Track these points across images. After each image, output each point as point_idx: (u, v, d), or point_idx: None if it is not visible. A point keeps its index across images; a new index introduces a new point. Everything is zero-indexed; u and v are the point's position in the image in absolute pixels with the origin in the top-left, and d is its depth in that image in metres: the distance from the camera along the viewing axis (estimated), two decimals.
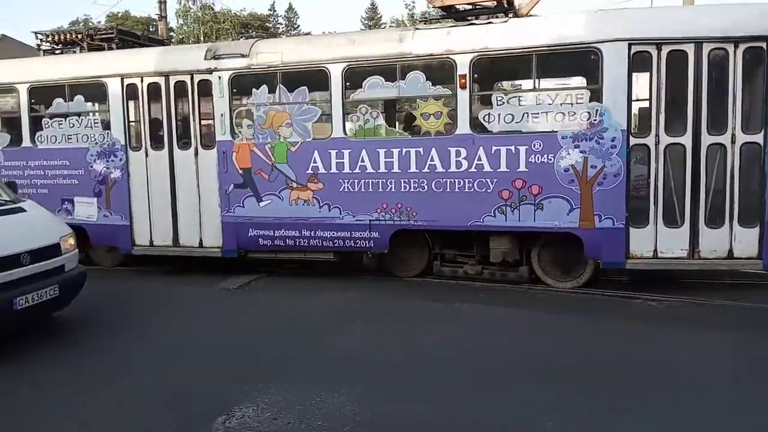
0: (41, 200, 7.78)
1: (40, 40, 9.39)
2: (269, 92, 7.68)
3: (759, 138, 6.29)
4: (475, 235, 7.30)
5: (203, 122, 8.07)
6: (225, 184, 7.88)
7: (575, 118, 6.54)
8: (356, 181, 7.38)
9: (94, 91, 8.47)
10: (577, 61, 6.82)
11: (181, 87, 8.01)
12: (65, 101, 8.46)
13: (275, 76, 7.60)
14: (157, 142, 8.21)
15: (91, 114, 8.57)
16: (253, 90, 7.75)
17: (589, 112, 6.50)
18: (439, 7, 7.60)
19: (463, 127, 6.91)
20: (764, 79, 6.22)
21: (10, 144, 8.92)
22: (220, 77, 7.76)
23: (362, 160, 7.33)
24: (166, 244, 8.28)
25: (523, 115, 6.73)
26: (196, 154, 8.01)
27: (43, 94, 8.73)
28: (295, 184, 7.62)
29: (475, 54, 6.79)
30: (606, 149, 6.46)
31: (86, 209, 8.54)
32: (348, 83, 7.31)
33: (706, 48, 6.27)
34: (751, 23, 6.23)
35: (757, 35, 6.18)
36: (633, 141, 6.47)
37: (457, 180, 7.00)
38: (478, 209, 6.96)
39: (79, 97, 8.42)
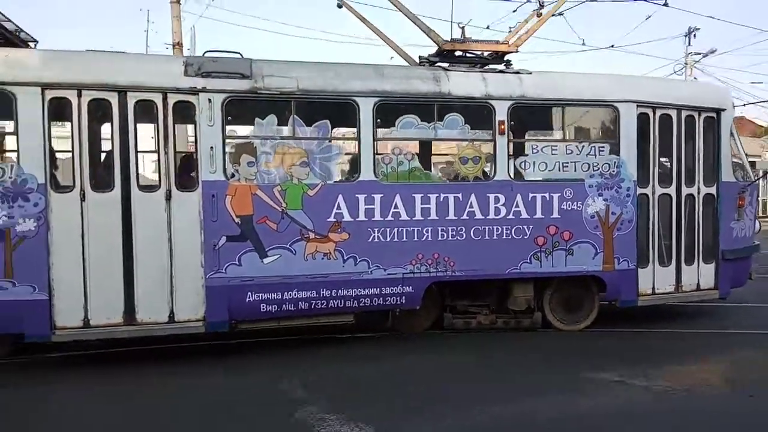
0: None
1: None
2: (279, 124, 6.28)
3: (713, 190, 7.75)
4: (493, 284, 7.14)
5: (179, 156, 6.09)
6: (213, 236, 6.05)
7: (598, 168, 7.06)
8: (388, 229, 6.51)
9: None
10: (598, 116, 7.38)
11: (144, 109, 5.92)
12: None
13: (289, 105, 6.25)
14: (101, 181, 5.86)
15: None
16: (257, 120, 6.23)
17: (609, 164, 7.09)
18: (440, 53, 7.36)
19: (502, 173, 6.78)
20: (715, 142, 7.72)
21: None
22: (210, 100, 6.01)
23: (395, 206, 6.52)
24: (114, 322, 5.88)
25: (555, 164, 6.96)
26: (168, 197, 5.96)
27: None
28: (312, 235, 6.31)
29: (513, 101, 6.80)
30: (623, 197, 7.13)
31: None
32: (379, 120, 6.47)
33: (676, 113, 7.47)
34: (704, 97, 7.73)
35: (713, 107, 7.68)
36: (639, 191, 7.29)
37: (495, 227, 6.79)
38: (515, 256, 6.86)
39: None
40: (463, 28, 7.66)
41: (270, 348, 6.70)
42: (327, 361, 6.29)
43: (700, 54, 26.83)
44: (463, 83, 6.74)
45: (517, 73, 7.05)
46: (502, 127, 6.74)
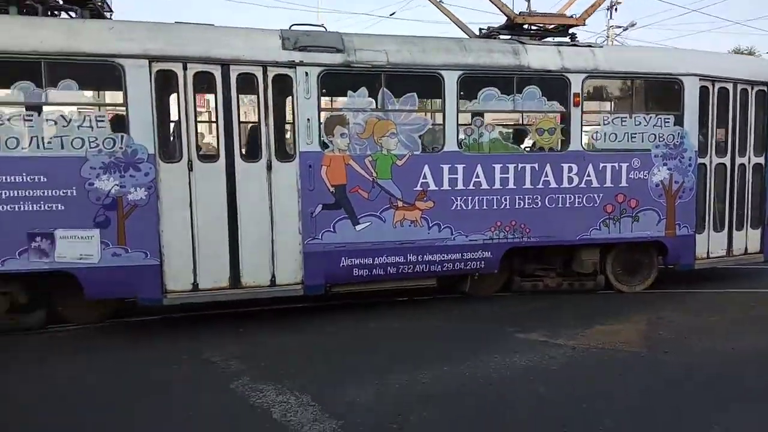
0: None
1: None
2: (369, 96, 6.49)
3: (761, 160, 8.13)
4: (560, 249, 7.52)
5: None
6: (310, 204, 6.33)
7: (663, 139, 7.39)
8: (470, 198, 6.82)
9: (98, 75, 5.81)
10: (664, 88, 7.65)
11: (246, 81, 6.11)
12: (40, 86, 5.56)
13: (378, 78, 6.46)
14: (208, 152, 6.08)
15: (89, 108, 5.80)
16: (349, 92, 6.44)
17: (673, 135, 7.41)
18: (508, 26, 7.57)
19: (576, 143, 7.09)
20: (765, 114, 8.07)
21: None
22: (307, 73, 6.21)
23: (477, 176, 6.82)
24: (221, 286, 6.19)
25: (624, 135, 7.27)
26: (269, 167, 6.21)
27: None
28: (400, 203, 6.61)
29: (586, 74, 7.06)
30: (685, 167, 7.48)
31: (79, 246, 5.76)
32: (462, 93, 6.72)
33: (732, 87, 7.77)
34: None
35: (765, 81, 8.00)
36: (698, 160, 7.64)
37: (568, 195, 7.13)
38: (586, 223, 7.22)
39: (69, 82, 5.63)
40: (529, 1, 7.87)
41: (193, 323, 6.59)
42: (254, 332, 6.26)
43: (621, 27, 27.21)
44: (540, 56, 6.97)
45: (589, 46, 7.30)
46: (577, 99, 7.01)
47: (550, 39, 7.67)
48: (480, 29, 8.06)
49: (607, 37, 26.74)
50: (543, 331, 6.14)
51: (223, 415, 4.32)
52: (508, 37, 7.63)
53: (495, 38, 7.57)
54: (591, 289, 7.75)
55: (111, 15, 7.11)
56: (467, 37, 7.58)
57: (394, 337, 6.12)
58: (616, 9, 26.49)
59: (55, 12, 6.19)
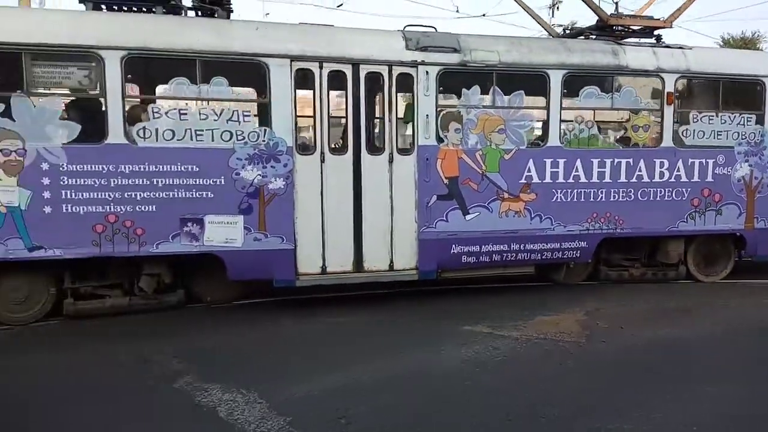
0: (145, 220, 5.97)
1: None
2: (481, 93, 6.94)
3: None
4: (646, 240, 7.96)
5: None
6: (425, 195, 6.81)
7: (746, 137, 7.80)
8: (569, 190, 7.28)
9: (247, 73, 6.28)
10: (747, 89, 8.06)
11: (372, 79, 6.57)
12: (194, 82, 6.04)
13: (490, 77, 6.91)
14: (337, 145, 6.56)
15: (240, 104, 6.28)
16: (463, 90, 6.89)
17: (754, 133, 7.83)
18: (600, 26, 7.98)
19: (668, 140, 7.52)
20: None
21: (79, 139, 5.88)
22: (427, 72, 6.66)
23: (576, 170, 7.27)
24: (345, 270, 6.69)
25: (711, 132, 7.69)
26: (391, 160, 6.68)
27: (152, 67, 6.06)
28: (506, 195, 7.08)
29: (679, 74, 7.49)
30: (765, 163, 7.89)
31: (225, 231, 6.27)
32: (565, 91, 7.16)
33: None
34: None
35: None
36: None
37: (659, 189, 7.57)
38: (674, 216, 7.67)
39: (221, 79, 6.11)
40: (617, 3, 8.30)
41: (125, 322, 6.29)
42: (206, 331, 6.11)
43: (562, 26, 27.38)
44: (638, 57, 7.40)
45: (681, 48, 7.71)
46: (671, 97, 7.44)
47: (632, 39, 8.04)
48: (564, 29, 8.49)
49: (550, 35, 26.95)
50: (488, 322, 6.23)
51: (166, 415, 4.19)
52: (593, 37, 8.05)
53: (587, 38, 7.98)
54: (672, 278, 8.20)
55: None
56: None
57: (344, 332, 6.13)
58: (557, 8, 26.82)
59: (198, 11, 6.64)
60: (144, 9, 6.38)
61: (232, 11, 6.80)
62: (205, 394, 4.44)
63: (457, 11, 24.40)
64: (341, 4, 21.34)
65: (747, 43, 25.26)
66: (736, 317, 6.74)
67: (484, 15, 35.52)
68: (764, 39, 26.15)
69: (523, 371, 5.02)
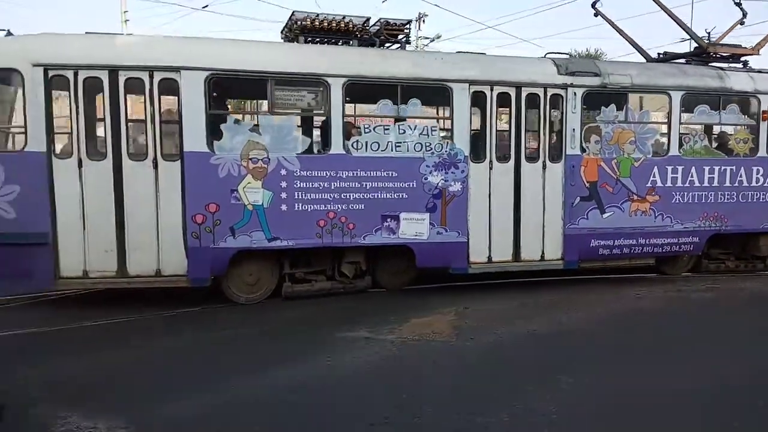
0: (355, 217, 7.16)
1: (288, 27, 7.67)
2: (617, 110, 8.22)
3: None
4: (737, 236, 9.23)
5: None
6: (570, 197, 8.06)
7: None
8: (686, 193, 8.54)
9: (434, 95, 7.53)
10: None
11: (531, 100, 7.84)
12: (395, 103, 7.29)
13: (624, 96, 8.19)
14: (502, 154, 7.82)
15: (428, 120, 7.54)
16: (602, 107, 8.17)
17: None
18: (697, 53, 9.31)
19: (762, 151, 8.81)
20: None
21: (309, 150, 7.15)
22: (575, 93, 7.94)
23: (691, 176, 8.55)
24: (506, 259, 7.92)
25: None
26: (544, 167, 7.94)
27: (364, 91, 7.29)
28: (635, 197, 8.33)
29: None
30: None
31: (415, 226, 7.49)
32: (683, 108, 8.44)
33: None
34: None
35: None
36: None
37: (756, 192, 8.84)
38: (767, 215, 8.95)
39: (415, 101, 7.37)
40: (709, 33, 9.63)
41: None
42: (51, 354, 5.59)
43: (428, 38, 28.72)
44: (739, 80, 8.70)
45: None
46: (765, 115, 8.74)
47: (720, 64, 9.32)
48: (658, 54, 9.81)
49: (416, 47, 28.31)
50: (366, 327, 6.34)
51: None
52: (683, 61, 9.36)
53: (688, 62, 9.30)
54: (761, 270, 9.47)
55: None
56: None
57: (222, 348, 5.92)
58: (423, 21, 28.18)
59: (385, 43, 7.91)
60: (341, 42, 7.67)
61: (409, 42, 8.08)
62: (62, 422, 3.99)
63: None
64: (206, 6, 22.60)
65: None
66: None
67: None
68: None
69: (401, 374, 5.13)
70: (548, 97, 7.91)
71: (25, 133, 6.42)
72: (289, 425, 4.16)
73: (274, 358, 5.49)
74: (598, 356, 5.61)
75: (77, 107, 6.47)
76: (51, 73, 6.42)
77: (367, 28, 7.87)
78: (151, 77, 6.59)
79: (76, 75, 6.45)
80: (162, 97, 6.68)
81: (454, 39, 66.58)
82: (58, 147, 6.60)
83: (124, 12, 26.12)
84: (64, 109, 6.53)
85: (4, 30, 7.10)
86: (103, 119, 6.58)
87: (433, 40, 28.54)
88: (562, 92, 7.93)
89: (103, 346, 5.88)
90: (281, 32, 8.26)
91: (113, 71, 6.51)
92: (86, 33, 6.91)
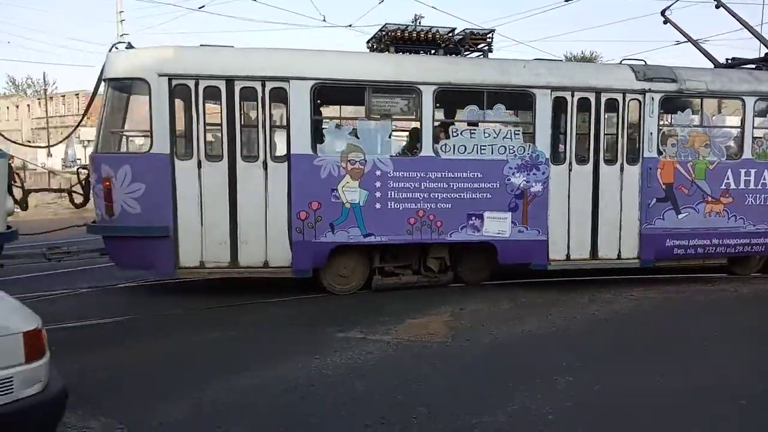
0: (443, 215, 7.59)
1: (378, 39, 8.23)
2: (692, 114, 8.49)
3: None
4: None
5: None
6: (647, 198, 8.36)
7: None
8: (758, 195, 8.74)
9: (517, 100, 7.97)
10: None
11: (610, 104, 8.20)
12: (481, 108, 7.75)
13: (699, 101, 8.47)
14: (581, 157, 8.19)
15: (511, 125, 7.99)
16: (678, 112, 8.46)
17: None
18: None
19: None
20: None
21: (403, 153, 7.70)
22: (653, 98, 8.25)
23: (764, 178, 8.74)
24: (584, 257, 8.29)
25: None
26: (622, 169, 8.28)
27: (452, 97, 7.79)
28: (709, 198, 8.58)
29: None
30: None
31: (498, 225, 7.94)
32: (756, 113, 8.65)
33: None
34: None
35: None
36: None
37: None
38: None
39: (499, 106, 7.82)
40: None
41: None
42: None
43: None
44: None
45: None
46: None
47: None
48: (726, 59, 10.00)
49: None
50: (360, 328, 6.39)
51: None
52: (752, 66, 9.52)
53: (758, 68, 9.47)
54: None
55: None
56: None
57: (215, 348, 5.92)
58: (419, 22, 27.57)
59: (466, 52, 8.39)
60: (427, 51, 8.18)
61: (491, 50, 8.54)
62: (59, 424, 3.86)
63: (324, 20, 26.84)
64: (203, 6, 23.07)
65: None
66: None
67: (350, 26, 38.76)
68: None
69: (396, 375, 5.12)
70: (627, 102, 8.24)
71: (151, 136, 7.14)
72: (285, 426, 4.17)
73: (270, 358, 5.52)
74: (594, 356, 5.69)
75: (197, 113, 7.15)
76: (174, 83, 7.12)
77: (452, 37, 8.37)
78: (263, 86, 7.23)
79: (196, 84, 7.14)
80: (272, 104, 7.31)
81: None
82: (180, 149, 7.30)
83: (120, 12, 26.60)
84: (186, 115, 7.22)
85: (124, 42, 7.87)
86: (220, 124, 7.24)
87: None
88: (640, 97, 8.25)
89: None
90: (367, 42, 8.84)
91: (230, 81, 7.17)
92: (201, 45, 7.60)
